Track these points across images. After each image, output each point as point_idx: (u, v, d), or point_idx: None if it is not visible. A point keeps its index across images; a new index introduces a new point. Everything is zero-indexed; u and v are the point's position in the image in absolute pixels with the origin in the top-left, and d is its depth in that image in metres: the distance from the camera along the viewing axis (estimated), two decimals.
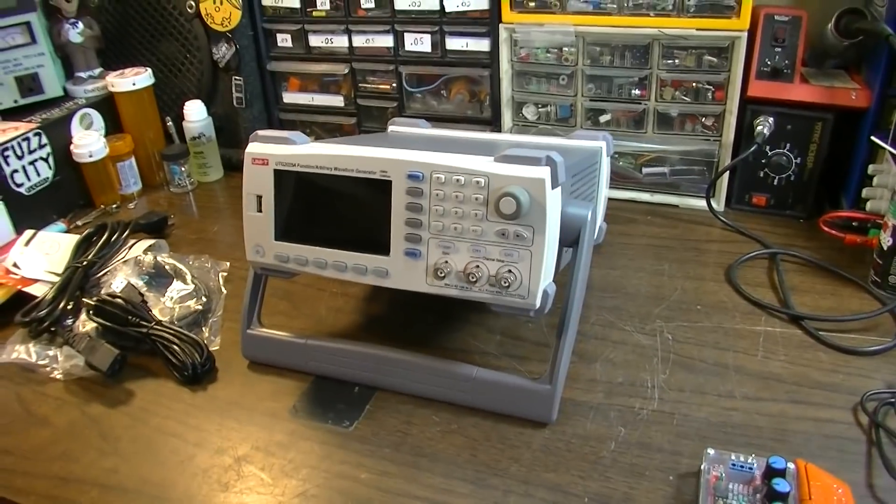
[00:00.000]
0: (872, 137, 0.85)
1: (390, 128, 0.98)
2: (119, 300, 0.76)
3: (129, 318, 0.75)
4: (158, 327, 0.75)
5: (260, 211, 0.67)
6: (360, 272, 0.64)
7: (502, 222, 0.59)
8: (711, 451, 0.57)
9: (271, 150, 0.66)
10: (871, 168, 0.87)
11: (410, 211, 0.61)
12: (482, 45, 1.03)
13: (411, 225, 0.61)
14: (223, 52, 1.15)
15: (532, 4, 0.98)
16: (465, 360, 0.68)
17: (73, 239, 0.91)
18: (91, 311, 0.76)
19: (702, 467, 0.56)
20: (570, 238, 0.65)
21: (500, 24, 1.00)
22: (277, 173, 0.66)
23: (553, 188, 0.58)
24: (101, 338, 0.75)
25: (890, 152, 0.83)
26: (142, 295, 0.80)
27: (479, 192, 0.59)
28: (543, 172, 0.57)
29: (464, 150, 0.63)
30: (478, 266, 0.60)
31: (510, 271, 0.59)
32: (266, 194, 0.66)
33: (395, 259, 0.63)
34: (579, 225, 0.64)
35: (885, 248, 0.78)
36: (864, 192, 0.88)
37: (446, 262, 0.61)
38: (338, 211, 0.65)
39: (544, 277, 0.59)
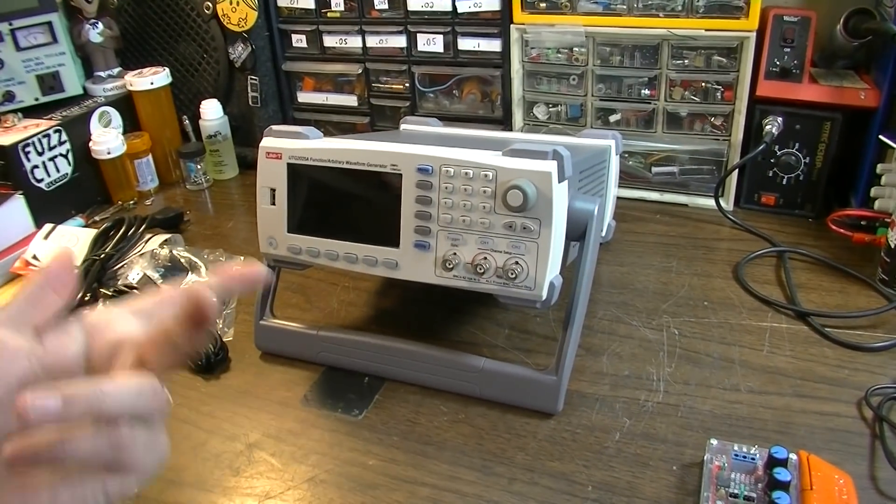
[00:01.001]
0: (881, 137, 0.85)
1: (402, 126, 0.99)
2: (135, 291, 0.78)
3: None
4: None
5: (273, 204, 0.69)
6: (370, 264, 0.65)
7: (510, 215, 0.60)
8: (714, 442, 0.58)
9: (285, 144, 0.67)
10: (879, 167, 0.87)
11: (420, 204, 0.63)
12: (494, 45, 1.05)
13: (421, 217, 0.63)
14: (239, 52, 1.17)
15: (543, 5, 0.99)
16: (473, 353, 0.69)
17: (92, 233, 0.93)
18: (108, 302, 0.78)
19: (705, 457, 0.57)
20: (577, 232, 0.66)
21: (512, 25, 1.01)
22: (291, 167, 0.67)
23: (560, 181, 0.59)
24: None
25: None
26: (157, 286, 0.82)
27: (487, 185, 0.60)
28: (550, 166, 0.58)
29: (474, 147, 0.64)
30: (485, 258, 0.61)
31: (517, 263, 0.60)
32: (279, 187, 0.68)
33: (405, 251, 0.64)
34: (586, 219, 0.65)
35: (893, 246, 0.78)
36: (873, 191, 0.88)
37: (455, 253, 0.62)
38: (349, 204, 0.66)
39: (551, 269, 0.60)
